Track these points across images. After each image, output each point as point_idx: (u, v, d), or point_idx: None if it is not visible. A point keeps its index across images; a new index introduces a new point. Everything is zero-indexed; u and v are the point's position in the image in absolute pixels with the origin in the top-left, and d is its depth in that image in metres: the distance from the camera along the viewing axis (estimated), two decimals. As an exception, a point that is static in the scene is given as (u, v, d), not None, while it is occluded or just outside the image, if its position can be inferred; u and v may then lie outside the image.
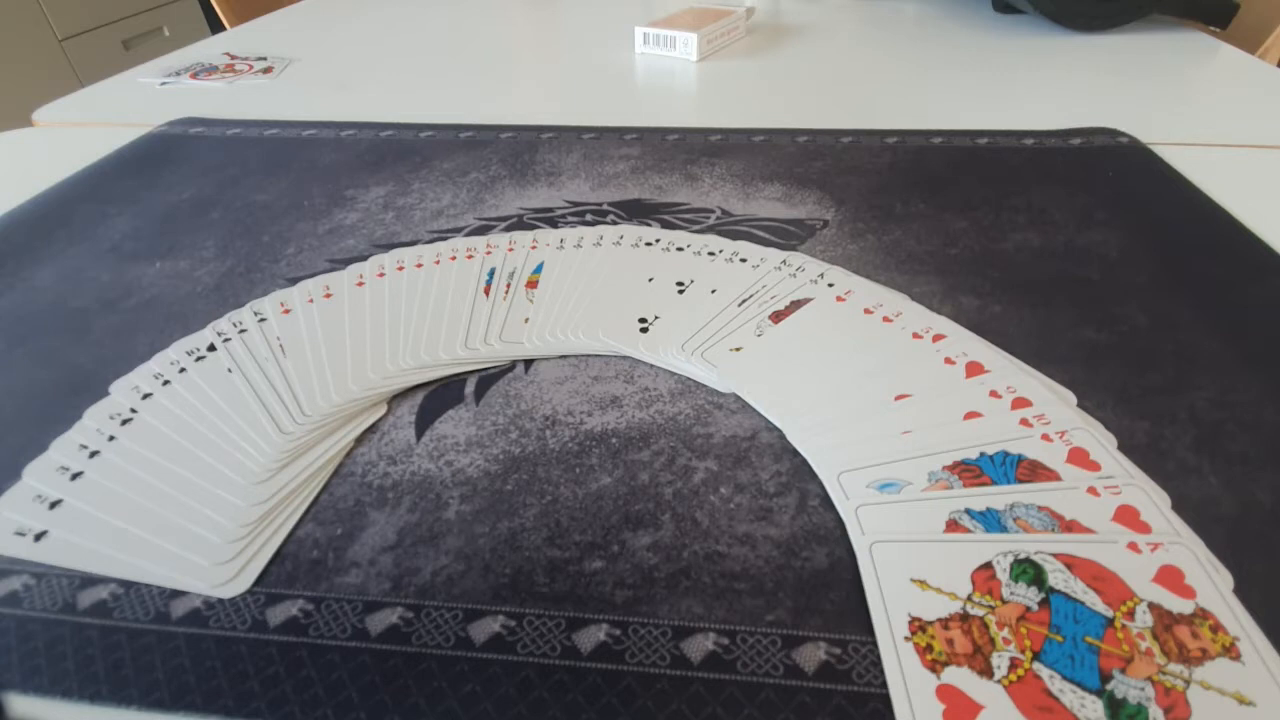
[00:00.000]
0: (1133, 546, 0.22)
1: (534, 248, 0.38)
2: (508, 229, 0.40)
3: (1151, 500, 0.23)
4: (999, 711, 0.18)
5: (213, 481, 0.25)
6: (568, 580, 0.22)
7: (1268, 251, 0.35)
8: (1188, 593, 0.20)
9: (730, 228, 0.39)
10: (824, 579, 0.22)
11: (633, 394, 0.29)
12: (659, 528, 0.24)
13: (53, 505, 0.25)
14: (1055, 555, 0.21)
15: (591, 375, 0.30)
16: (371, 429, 0.28)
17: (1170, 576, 0.21)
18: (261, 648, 0.21)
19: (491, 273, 0.36)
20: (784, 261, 0.36)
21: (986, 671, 0.19)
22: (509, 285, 0.35)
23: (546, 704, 0.19)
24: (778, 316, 0.32)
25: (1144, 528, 0.22)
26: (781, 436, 0.27)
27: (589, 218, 0.41)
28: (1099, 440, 0.25)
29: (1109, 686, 0.19)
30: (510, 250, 0.38)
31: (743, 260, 0.36)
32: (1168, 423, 0.26)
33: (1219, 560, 0.21)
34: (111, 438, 0.27)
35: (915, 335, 0.30)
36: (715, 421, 0.28)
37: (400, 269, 0.36)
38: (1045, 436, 0.25)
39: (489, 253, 0.37)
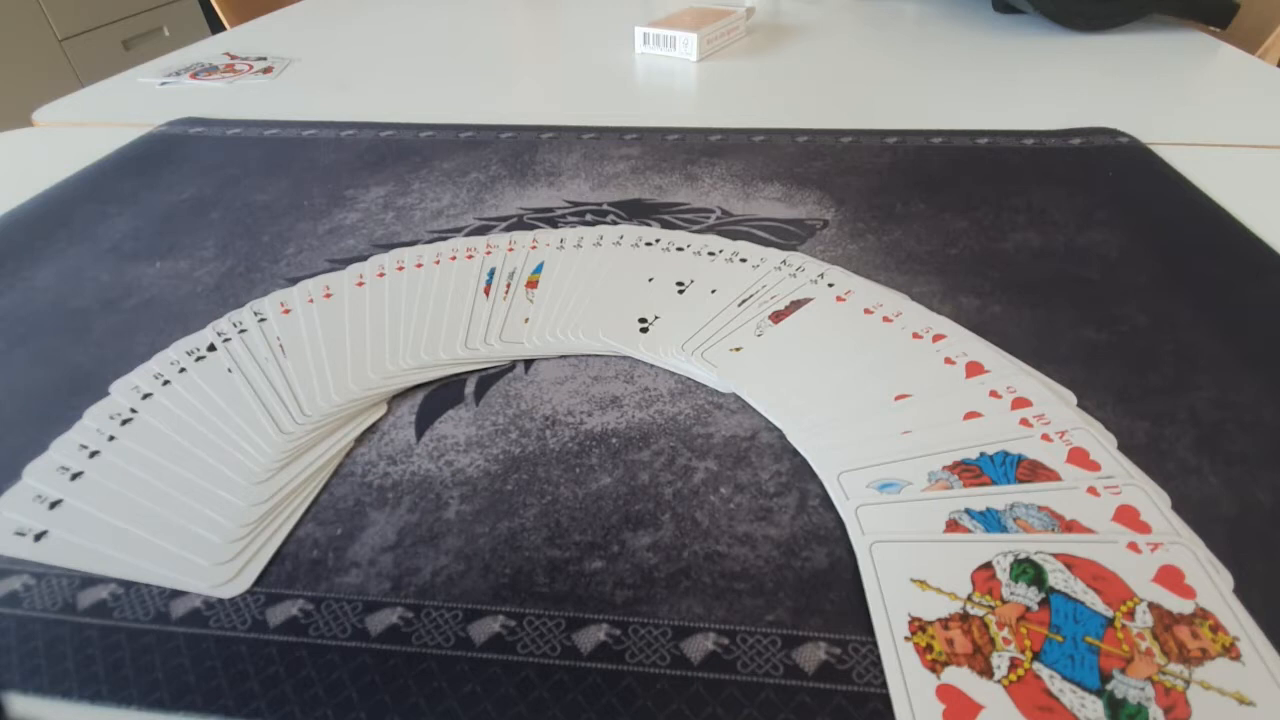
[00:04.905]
0: (1133, 546, 0.22)
1: (534, 248, 0.38)
2: (508, 229, 0.40)
3: (1151, 500, 0.23)
4: (999, 711, 0.18)
5: (213, 481, 0.25)
6: (568, 580, 0.22)
7: (1268, 251, 0.35)
8: (1188, 593, 0.20)
9: (730, 228, 0.39)
10: (824, 579, 0.22)
11: (633, 394, 0.29)
12: (659, 528, 0.24)
13: (53, 505, 0.25)
14: (1055, 555, 0.21)
15: (591, 375, 0.30)
16: (371, 429, 0.28)
17: (1170, 576, 0.21)
18: (261, 648, 0.21)
19: (491, 273, 0.36)
20: (784, 261, 0.36)
21: (986, 671, 0.19)
22: (509, 285, 0.35)
23: (546, 704, 0.19)
24: (778, 316, 0.32)
25: (1144, 528, 0.22)
26: (781, 436, 0.27)
27: (589, 218, 0.41)
28: (1099, 440, 0.25)
29: (1109, 686, 0.19)
30: (510, 250, 0.38)
31: (743, 260, 0.36)
32: (1168, 423, 0.26)
33: (1219, 560, 0.21)
34: (111, 438, 0.27)
35: (915, 335, 0.30)
36: (715, 421, 0.28)
37: (400, 269, 0.36)
38: (1045, 436, 0.25)
39: (489, 253, 0.37)
